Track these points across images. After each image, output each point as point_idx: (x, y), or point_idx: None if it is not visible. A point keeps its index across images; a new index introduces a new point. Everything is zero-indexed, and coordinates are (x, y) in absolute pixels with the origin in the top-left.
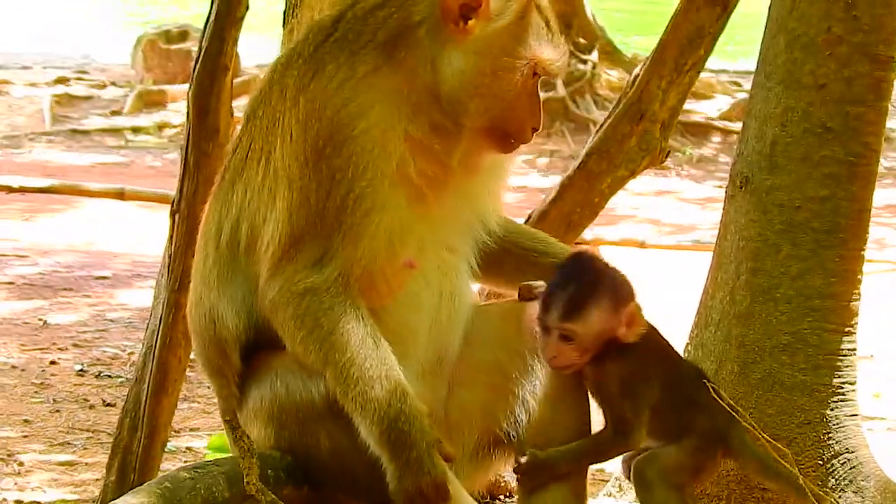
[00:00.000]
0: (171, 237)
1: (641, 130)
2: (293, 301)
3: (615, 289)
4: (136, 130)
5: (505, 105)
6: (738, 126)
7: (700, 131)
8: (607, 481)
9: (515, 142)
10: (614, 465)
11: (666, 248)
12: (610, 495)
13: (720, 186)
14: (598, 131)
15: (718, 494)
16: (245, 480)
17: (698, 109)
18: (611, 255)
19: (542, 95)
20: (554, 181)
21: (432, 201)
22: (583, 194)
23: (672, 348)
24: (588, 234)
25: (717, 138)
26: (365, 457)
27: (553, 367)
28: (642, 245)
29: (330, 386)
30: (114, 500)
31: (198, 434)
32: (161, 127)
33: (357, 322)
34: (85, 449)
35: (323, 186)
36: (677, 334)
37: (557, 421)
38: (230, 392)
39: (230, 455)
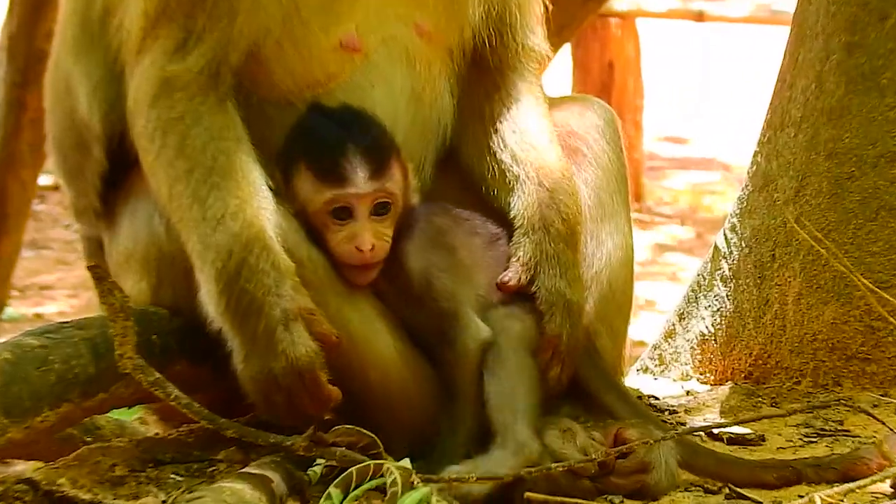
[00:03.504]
0: (10, 10)
1: None
2: (144, 107)
3: (387, 134)
4: None
5: None
6: None
7: None
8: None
9: None
10: (650, 336)
11: (730, 20)
12: (645, 369)
13: None
14: None
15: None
16: (117, 353)
17: None
18: (654, 31)
19: None
20: None
21: None
22: None
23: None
24: (625, 3)
25: None
26: None
27: (370, 266)
28: (699, 17)
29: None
30: None
31: (51, 295)
32: None
33: (212, 138)
34: None
35: None
36: (742, 140)
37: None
38: (89, 203)
39: (99, 315)
